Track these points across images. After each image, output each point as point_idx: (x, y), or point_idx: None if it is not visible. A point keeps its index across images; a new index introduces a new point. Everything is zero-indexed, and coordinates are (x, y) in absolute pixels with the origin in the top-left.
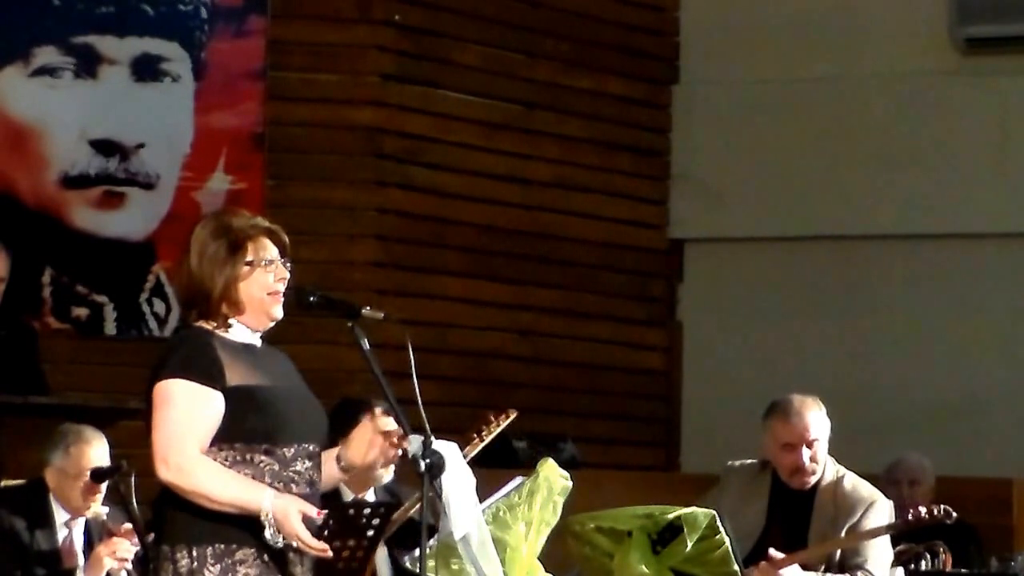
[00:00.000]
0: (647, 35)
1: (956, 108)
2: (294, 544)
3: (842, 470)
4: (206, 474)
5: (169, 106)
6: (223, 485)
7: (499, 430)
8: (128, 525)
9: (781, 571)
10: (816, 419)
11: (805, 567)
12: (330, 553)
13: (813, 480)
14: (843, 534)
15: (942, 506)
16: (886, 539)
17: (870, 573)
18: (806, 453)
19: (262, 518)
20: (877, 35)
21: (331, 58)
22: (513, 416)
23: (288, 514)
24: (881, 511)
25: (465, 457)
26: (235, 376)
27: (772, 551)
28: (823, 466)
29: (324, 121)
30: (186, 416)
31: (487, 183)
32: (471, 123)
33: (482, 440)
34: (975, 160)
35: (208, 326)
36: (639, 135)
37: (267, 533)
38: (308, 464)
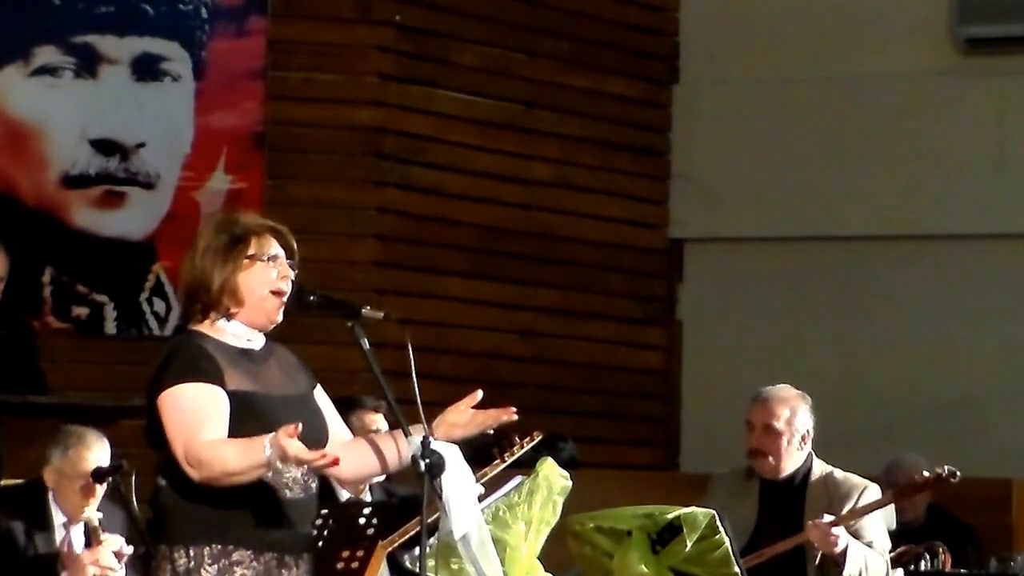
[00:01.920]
0: (647, 35)
1: (956, 108)
2: (304, 468)
3: (829, 467)
4: (217, 456)
5: (169, 106)
6: (232, 458)
7: (521, 452)
8: (116, 536)
9: (833, 531)
10: (783, 408)
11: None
12: (331, 457)
13: (774, 467)
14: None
15: (945, 466)
16: (885, 529)
17: (881, 553)
18: (762, 437)
19: (272, 462)
20: (877, 35)
21: (331, 58)
22: (539, 439)
23: (282, 445)
24: (876, 493)
25: (484, 477)
26: (232, 381)
27: (814, 520)
28: (788, 459)
29: (324, 121)
30: (194, 415)
31: (487, 183)
32: (471, 123)
33: (504, 461)
34: (975, 160)
35: (205, 329)
36: (639, 135)
37: (286, 474)
38: (304, 469)
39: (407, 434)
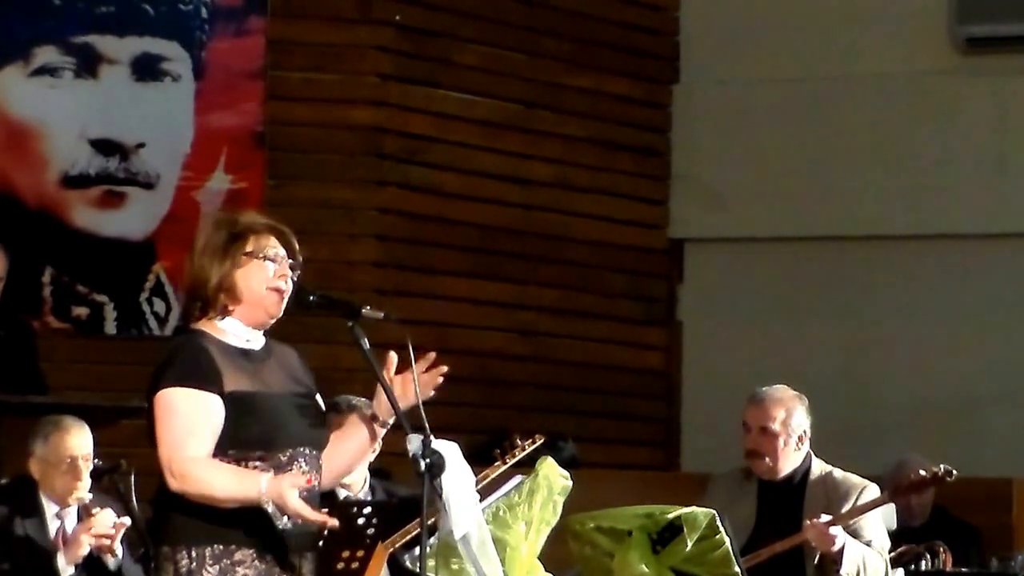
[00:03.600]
0: (647, 35)
1: (956, 108)
2: (306, 468)
3: (828, 466)
4: (205, 476)
5: (169, 106)
6: (221, 484)
7: (523, 454)
8: (108, 510)
9: (830, 530)
10: (778, 409)
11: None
12: (332, 522)
13: (771, 468)
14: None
15: (941, 465)
16: (884, 528)
17: (880, 552)
18: (758, 438)
19: (264, 506)
20: (877, 35)
21: (331, 58)
22: (540, 442)
23: (283, 494)
24: (875, 493)
25: (486, 479)
26: (231, 382)
27: (811, 520)
28: (785, 460)
29: (324, 121)
30: (185, 423)
31: (487, 183)
32: (471, 123)
33: (505, 463)
34: (974, 160)
35: (205, 327)
36: (639, 135)
37: (276, 519)
38: (305, 469)
39: (407, 432)
